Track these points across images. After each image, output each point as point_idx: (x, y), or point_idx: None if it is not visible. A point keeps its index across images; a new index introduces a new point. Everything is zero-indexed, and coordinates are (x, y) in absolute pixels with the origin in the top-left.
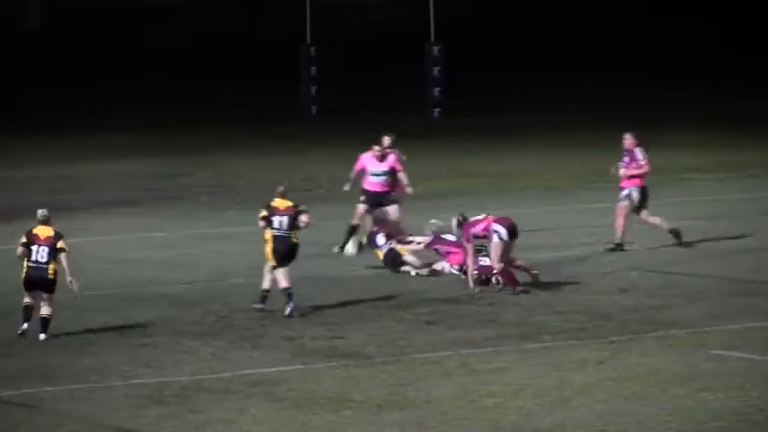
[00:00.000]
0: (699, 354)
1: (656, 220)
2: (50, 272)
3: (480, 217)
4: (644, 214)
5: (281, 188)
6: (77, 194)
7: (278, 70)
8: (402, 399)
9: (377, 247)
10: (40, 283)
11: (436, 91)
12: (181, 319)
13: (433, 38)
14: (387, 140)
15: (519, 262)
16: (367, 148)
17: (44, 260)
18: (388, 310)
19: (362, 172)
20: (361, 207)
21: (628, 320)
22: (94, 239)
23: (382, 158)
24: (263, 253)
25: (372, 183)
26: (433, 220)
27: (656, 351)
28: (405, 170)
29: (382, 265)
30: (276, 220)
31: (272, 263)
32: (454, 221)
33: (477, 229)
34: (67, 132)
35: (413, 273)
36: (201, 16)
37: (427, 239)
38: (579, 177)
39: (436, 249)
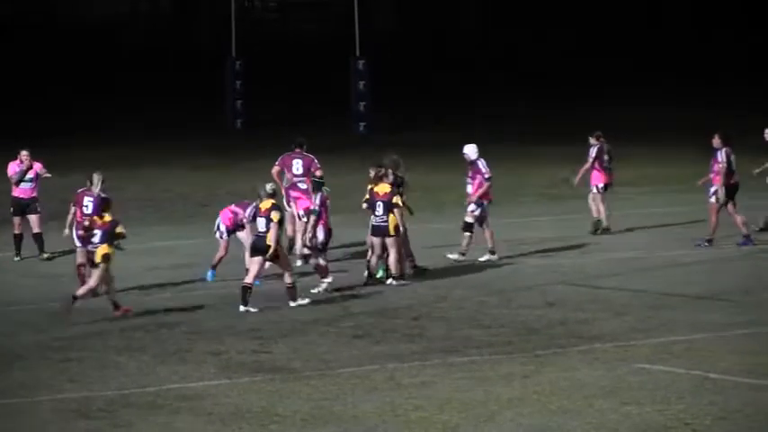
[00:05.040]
0: (624, 367)
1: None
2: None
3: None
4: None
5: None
6: (4, 209)
7: (203, 84)
8: (328, 413)
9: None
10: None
11: (361, 105)
12: (107, 333)
13: (358, 52)
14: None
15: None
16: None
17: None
18: (314, 325)
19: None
20: (16, 219)
21: (554, 334)
22: (22, 254)
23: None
24: (190, 268)
25: (22, 190)
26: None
27: (581, 365)
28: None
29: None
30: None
31: None
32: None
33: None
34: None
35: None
36: (130, 31)
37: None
38: (506, 191)
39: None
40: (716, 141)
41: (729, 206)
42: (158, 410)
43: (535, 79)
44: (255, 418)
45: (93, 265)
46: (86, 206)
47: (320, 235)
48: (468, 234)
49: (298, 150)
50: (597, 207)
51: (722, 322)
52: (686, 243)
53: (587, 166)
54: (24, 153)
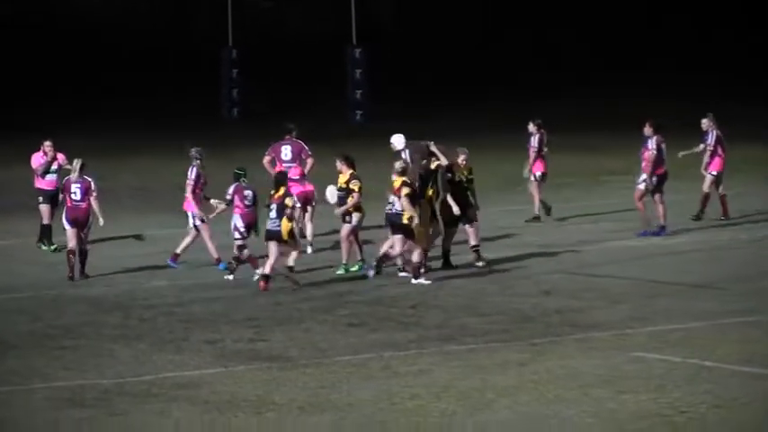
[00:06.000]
0: (620, 356)
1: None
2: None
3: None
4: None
5: None
6: (4, 197)
7: (202, 73)
8: (324, 401)
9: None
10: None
11: (358, 94)
12: (102, 321)
13: (354, 41)
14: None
15: None
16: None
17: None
18: (310, 313)
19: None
20: (44, 207)
21: (550, 322)
22: (19, 242)
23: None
24: (184, 256)
25: (48, 181)
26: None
27: (577, 353)
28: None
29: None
30: None
31: None
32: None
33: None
34: None
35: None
36: (128, 20)
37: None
38: (502, 180)
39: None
40: (647, 129)
41: (656, 195)
42: (154, 399)
43: (534, 74)
44: (252, 407)
45: (280, 241)
46: (74, 192)
47: (239, 224)
48: None
49: (288, 137)
50: (534, 195)
51: (718, 311)
52: (682, 231)
53: (533, 153)
54: (48, 144)
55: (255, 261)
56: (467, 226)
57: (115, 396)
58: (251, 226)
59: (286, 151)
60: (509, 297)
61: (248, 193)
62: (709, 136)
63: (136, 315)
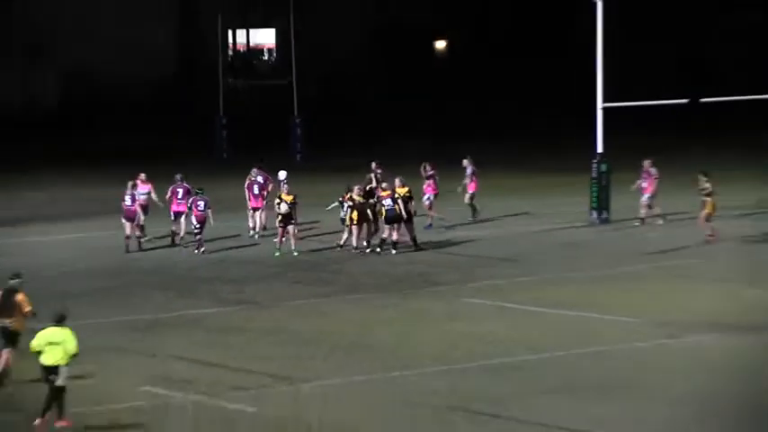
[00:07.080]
0: (456, 301)
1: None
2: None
3: None
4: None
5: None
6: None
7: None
8: (280, 329)
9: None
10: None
11: (298, 145)
12: (146, 281)
13: (296, 112)
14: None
15: None
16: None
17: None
18: (271, 275)
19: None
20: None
21: (413, 281)
22: (101, 234)
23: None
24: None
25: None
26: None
27: (429, 299)
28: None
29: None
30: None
31: None
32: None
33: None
34: None
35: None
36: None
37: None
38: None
39: None
40: (429, 167)
41: (431, 206)
42: (178, 327)
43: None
44: (237, 332)
45: (400, 220)
46: (126, 200)
47: (194, 221)
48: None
49: (260, 168)
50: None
51: (514, 273)
52: (501, 225)
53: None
54: (143, 175)
55: (202, 244)
56: (403, 225)
57: (155, 326)
58: (202, 221)
59: (260, 177)
60: (389, 266)
61: (200, 202)
62: (468, 170)
63: (165, 275)
